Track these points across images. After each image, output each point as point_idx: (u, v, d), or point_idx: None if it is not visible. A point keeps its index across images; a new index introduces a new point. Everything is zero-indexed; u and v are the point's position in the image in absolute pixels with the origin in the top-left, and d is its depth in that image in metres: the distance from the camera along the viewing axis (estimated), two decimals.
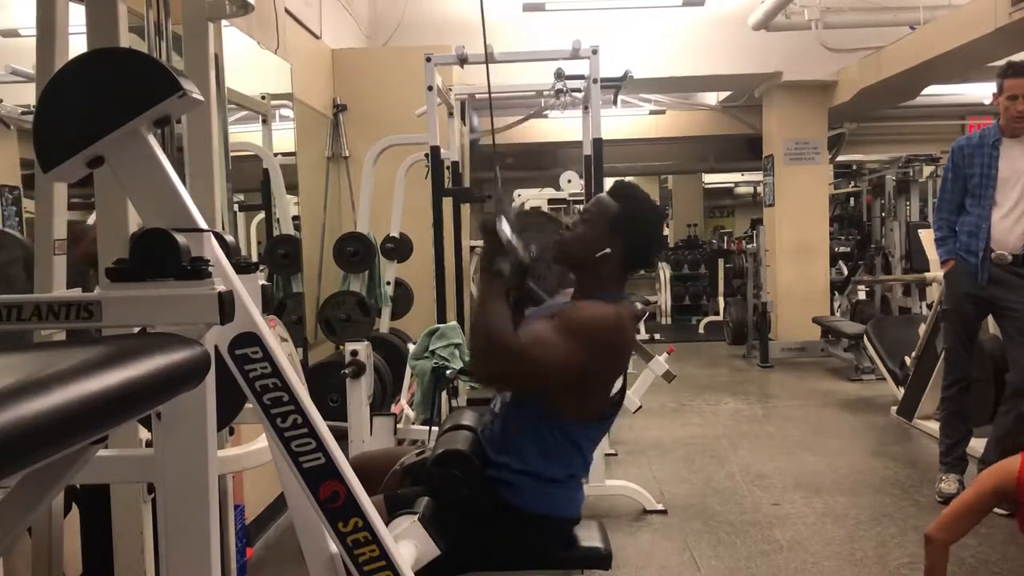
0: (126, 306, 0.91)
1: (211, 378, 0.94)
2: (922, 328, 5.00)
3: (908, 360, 5.16)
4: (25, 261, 1.82)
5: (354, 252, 4.28)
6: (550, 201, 8.17)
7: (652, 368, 4.30)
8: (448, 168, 4.15)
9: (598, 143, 3.57)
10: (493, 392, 2.03)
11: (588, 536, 1.93)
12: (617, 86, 4.41)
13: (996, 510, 2.29)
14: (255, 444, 1.67)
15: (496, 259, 1.76)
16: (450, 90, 4.33)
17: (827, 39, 6.62)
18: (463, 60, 3.56)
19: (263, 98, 4.01)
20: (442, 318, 3.54)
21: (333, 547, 1.29)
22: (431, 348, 3.19)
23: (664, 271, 11.27)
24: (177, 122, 1.75)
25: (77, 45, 1.56)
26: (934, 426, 4.42)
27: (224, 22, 2.13)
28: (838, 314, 8.44)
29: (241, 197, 3.81)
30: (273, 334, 1.14)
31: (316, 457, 1.16)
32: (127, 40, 1.55)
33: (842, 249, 9.18)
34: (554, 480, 1.85)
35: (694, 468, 4.26)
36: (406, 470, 1.96)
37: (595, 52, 3.52)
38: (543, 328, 1.80)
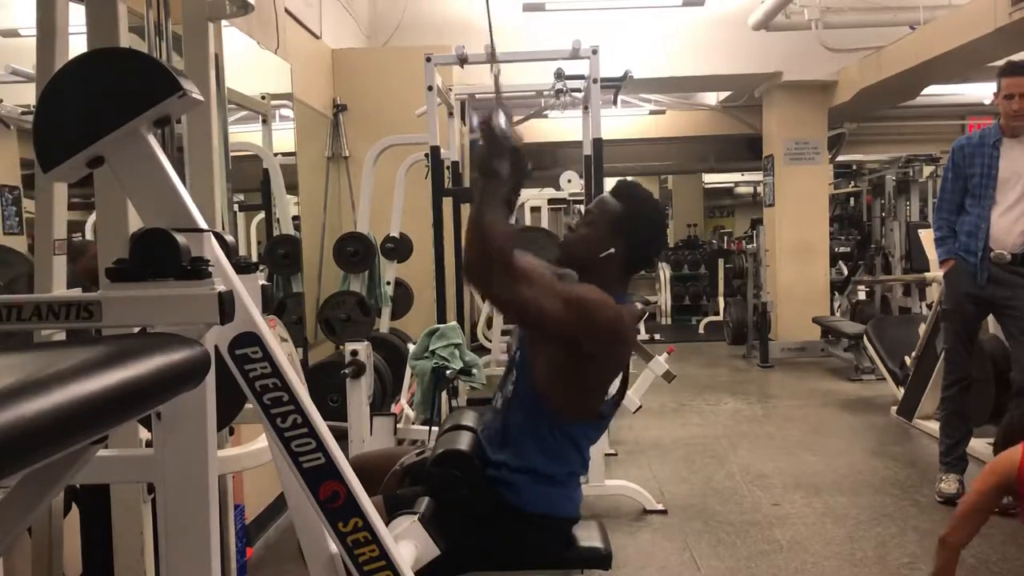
0: (126, 306, 0.91)
1: (211, 378, 0.94)
2: (922, 328, 5.00)
3: (908, 360, 5.16)
4: (29, 277, 1.82)
5: (354, 252, 4.28)
6: (550, 201, 8.16)
7: (652, 368, 4.30)
8: (448, 168, 4.15)
9: (598, 143, 3.57)
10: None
11: (588, 536, 1.93)
12: (617, 86, 4.41)
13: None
14: (255, 444, 1.67)
15: (494, 158, 1.67)
16: (450, 90, 4.33)
17: (827, 39, 6.62)
18: (463, 60, 3.56)
19: (263, 98, 4.01)
20: (442, 318, 3.54)
21: (333, 547, 1.29)
22: (431, 348, 3.19)
23: (664, 271, 11.27)
24: (177, 122, 1.75)
25: (77, 45, 1.56)
26: (934, 426, 4.42)
27: (224, 22, 2.13)
28: (838, 314, 8.44)
29: (241, 197, 3.81)
30: (273, 334, 1.14)
31: (316, 457, 1.16)
32: (127, 40, 1.55)
33: (842, 249, 9.19)
34: (553, 478, 1.85)
35: (694, 468, 4.26)
36: (406, 470, 1.96)
37: (595, 52, 3.53)
38: (547, 275, 1.77)
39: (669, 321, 11.08)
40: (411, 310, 4.80)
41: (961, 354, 3.64)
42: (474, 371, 3.22)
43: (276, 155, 4.09)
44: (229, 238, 1.17)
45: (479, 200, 1.65)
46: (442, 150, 3.79)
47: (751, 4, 6.36)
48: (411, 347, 3.48)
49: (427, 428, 3.13)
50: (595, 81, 3.54)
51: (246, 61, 3.60)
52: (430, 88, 3.57)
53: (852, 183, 9.81)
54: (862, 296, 8.81)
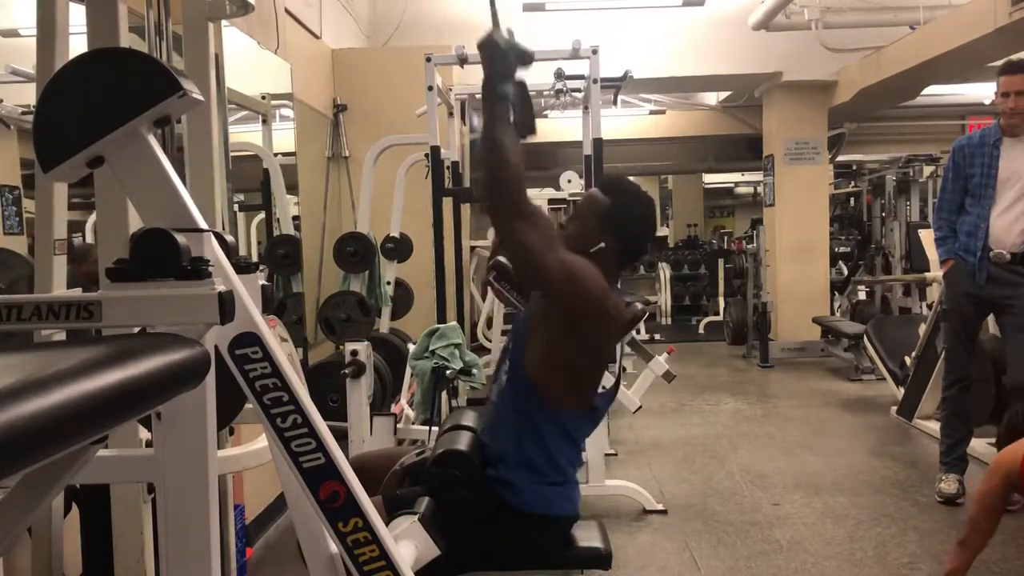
0: (126, 306, 0.91)
1: (211, 378, 0.94)
2: (922, 328, 5.00)
3: (908, 360, 5.16)
4: (29, 279, 1.82)
5: (354, 252, 4.28)
6: (550, 201, 8.14)
7: (652, 368, 4.30)
8: (448, 168, 4.15)
9: (598, 143, 3.57)
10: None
11: (588, 536, 1.92)
12: (617, 86, 4.41)
13: None
14: (255, 444, 1.68)
15: (499, 82, 1.65)
16: (450, 90, 4.33)
17: (827, 39, 6.62)
18: (463, 60, 3.56)
19: (263, 98, 4.01)
20: (442, 318, 3.54)
21: (333, 547, 1.29)
22: (431, 348, 3.19)
23: (664, 271, 11.27)
24: (177, 122, 1.75)
25: (77, 45, 1.56)
26: (934, 426, 4.42)
27: (224, 22, 2.13)
28: (838, 314, 8.44)
29: (241, 197, 3.81)
30: (273, 334, 1.14)
31: (316, 457, 1.16)
32: (127, 40, 1.55)
33: (842, 249, 9.19)
34: (548, 474, 1.83)
35: (694, 468, 4.26)
36: (406, 470, 1.96)
37: (595, 52, 3.52)
38: (553, 230, 1.76)
39: (669, 321, 11.08)
40: (411, 310, 4.79)
41: (961, 354, 3.64)
42: (474, 371, 3.22)
43: (276, 155, 4.09)
44: (229, 238, 1.17)
45: (488, 122, 1.64)
46: (442, 150, 3.79)
47: (751, 4, 6.37)
48: (411, 347, 3.48)
49: (427, 428, 3.13)
50: (595, 81, 3.54)
51: (246, 61, 3.60)
52: (430, 88, 3.57)
53: (852, 183, 9.81)
54: (862, 296, 8.81)
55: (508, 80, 1.66)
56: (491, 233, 4.05)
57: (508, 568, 1.86)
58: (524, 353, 1.85)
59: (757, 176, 10.97)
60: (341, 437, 2.10)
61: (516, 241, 1.68)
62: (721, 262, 11.07)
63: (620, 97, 5.13)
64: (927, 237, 5.43)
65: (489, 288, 5.23)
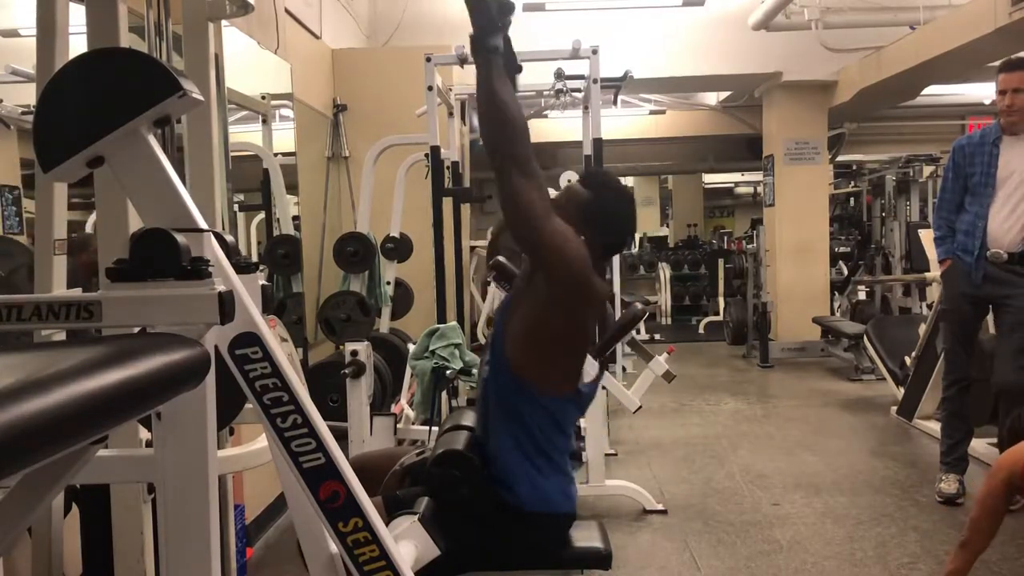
0: (126, 306, 0.91)
1: (211, 378, 0.94)
2: (922, 328, 5.00)
3: (908, 360, 5.16)
4: (29, 268, 1.82)
5: (354, 252, 4.28)
6: None
7: (652, 368, 4.30)
8: (448, 168, 4.15)
9: (598, 143, 3.57)
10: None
11: (588, 536, 1.93)
12: (617, 86, 4.41)
13: None
14: (255, 444, 1.67)
15: (488, 35, 1.69)
16: (450, 90, 4.33)
17: (827, 39, 6.62)
18: (463, 60, 3.56)
19: (263, 98, 4.01)
20: (442, 318, 3.54)
21: (333, 547, 1.29)
22: (431, 348, 3.19)
23: (664, 271, 11.26)
24: (177, 122, 1.75)
25: (77, 45, 1.56)
26: (934, 426, 4.42)
27: (224, 22, 2.13)
28: (838, 314, 8.44)
29: (241, 197, 3.81)
30: (273, 334, 1.14)
31: (316, 457, 1.16)
32: (127, 40, 1.55)
33: (842, 249, 9.19)
34: (539, 462, 1.83)
35: (694, 468, 4.26)
36: (406, 470, 1.96)
37: (595, 52, 3.53)
38: (547, 195, 1.78)
39: (669, 321, 11.08)
40: (411, 310, 4.79)
41: (960, 354, 3.64)
42: (474, 371, 3.22)
43: (276, 155, 4.09)
44: (229, 238, 1.17)
45: (486, 78, 1.68)
46: (442, 150, 3.79)
47: (751, 4, 6.37)
48: (411, 347, 3.48)
49: (427, 428, 3.13)
50: (595, 81, 3.54)
51: (246, 61, 3.60)
52: (430, 88, 3.57)
53: (852, 183, 9.81)
54: (862, 296, 8.81)
55: (496, 32, 1.70)
56: (491, 233, 4.06)
57: (508, 568, 1.86)
58: (505, 337, 1.85)
59: (757, 176, 10.97)
60: (341, 437, 2.10)
61: (518, 198, 1.70)
62: (721, 262, 11.06)
63: (620, 97, 5.13)
64: (927, 237, 5.43)
65: (489, 288, 5.23)
